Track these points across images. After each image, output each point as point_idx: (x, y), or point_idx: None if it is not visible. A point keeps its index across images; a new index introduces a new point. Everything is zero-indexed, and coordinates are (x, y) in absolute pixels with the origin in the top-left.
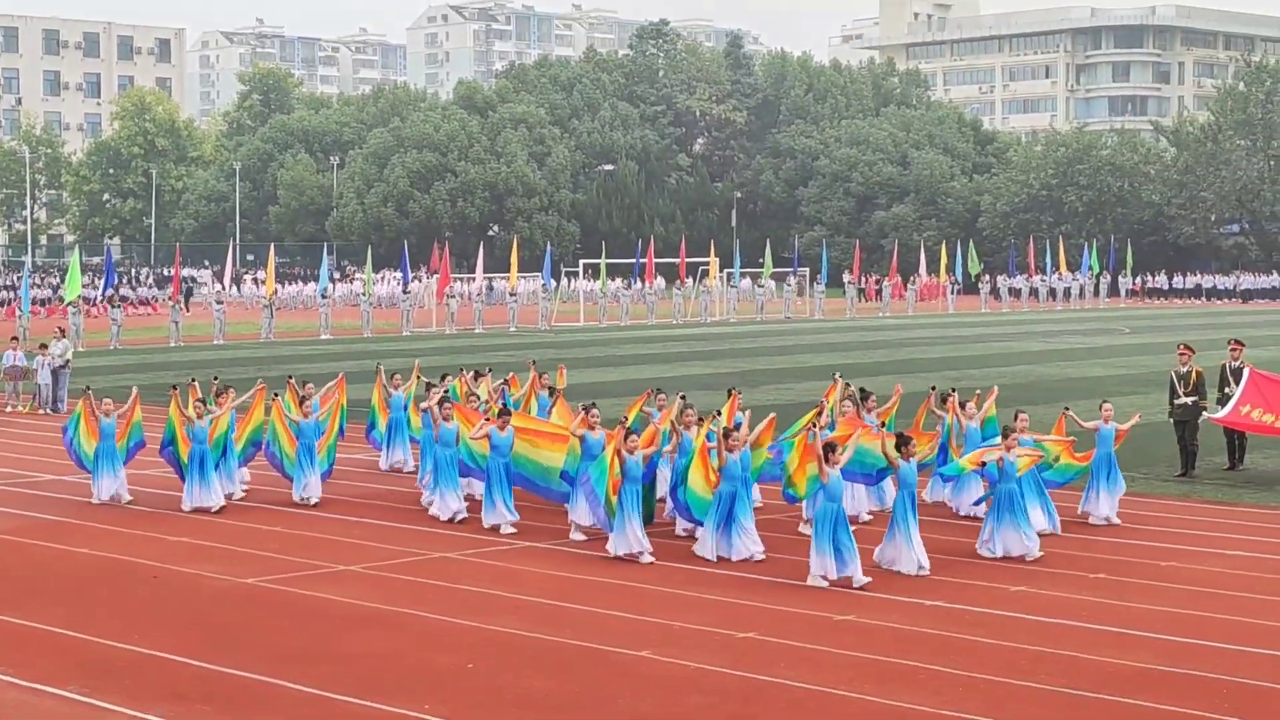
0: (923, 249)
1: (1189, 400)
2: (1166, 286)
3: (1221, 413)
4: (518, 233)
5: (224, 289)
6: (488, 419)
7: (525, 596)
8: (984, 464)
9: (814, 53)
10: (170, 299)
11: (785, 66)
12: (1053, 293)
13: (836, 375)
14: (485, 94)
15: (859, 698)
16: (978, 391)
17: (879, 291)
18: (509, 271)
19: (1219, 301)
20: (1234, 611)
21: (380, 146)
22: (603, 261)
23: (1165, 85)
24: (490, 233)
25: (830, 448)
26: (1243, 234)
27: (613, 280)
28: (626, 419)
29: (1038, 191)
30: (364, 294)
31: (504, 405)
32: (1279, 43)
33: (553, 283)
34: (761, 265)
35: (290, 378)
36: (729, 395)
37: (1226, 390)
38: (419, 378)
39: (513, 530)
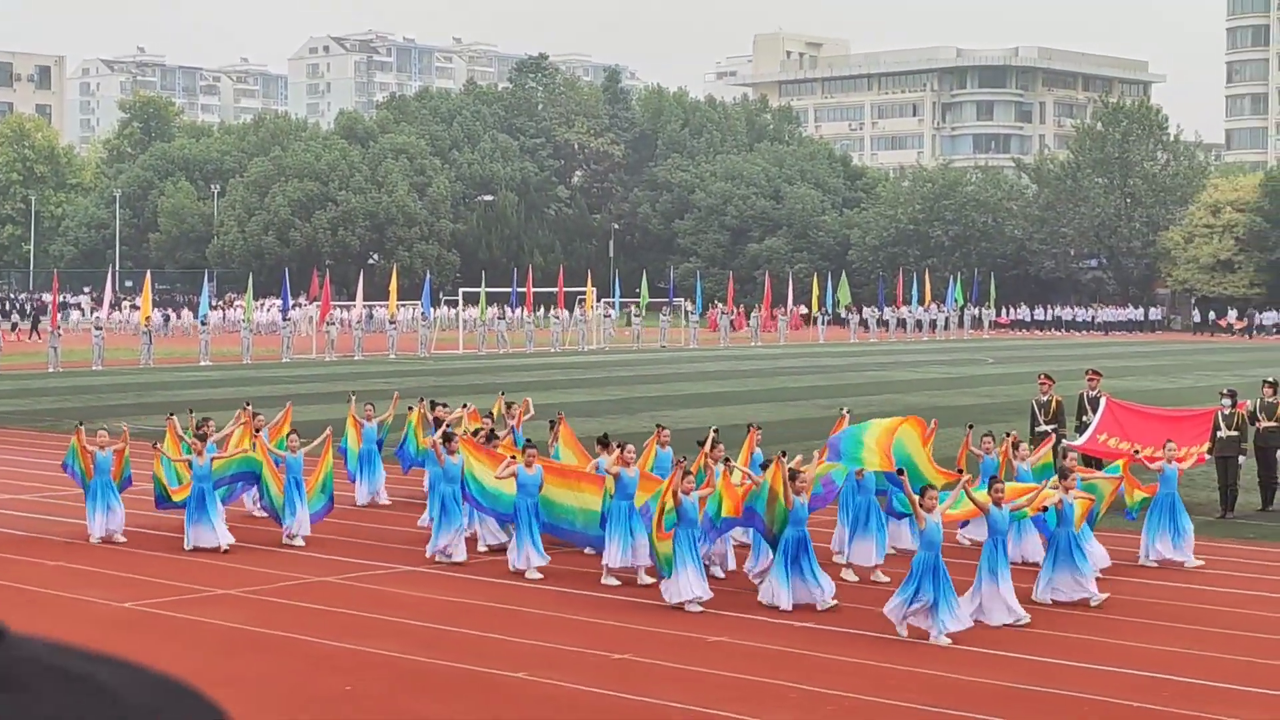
0: (791, 281)
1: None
2: (1028, 318)
3: (1079, 440)
4: (398, 261)
5: (103, 315)
6: (513, 456)
7: (406, 620)
8: (1045, 509)
9: (690, 88)
10: (50, 325)
11: (662, 101)
12: (919, 324)
13: (845, 410)
14: (366, 124)
15: (734, 717)
16: (1010, 432)
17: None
18: (389, 299)
19: (1078, 333)
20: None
21: (261, 175)
22: (482, 290)
23: (1027, 124)
24: (371, 261)
25: (793, 475)
26: (1101, 268)
27: (491, 308)
28: (681, 461)
29: (905, 226)
30: (245, 321)
31: (523, 439)
32: (1135, 84)
33: (432, 311)
34: (638, 296)
35: (171, 415)
36: (748, 431)
37: (1084, 418)
38: (395, 409)
39: (539, 576)
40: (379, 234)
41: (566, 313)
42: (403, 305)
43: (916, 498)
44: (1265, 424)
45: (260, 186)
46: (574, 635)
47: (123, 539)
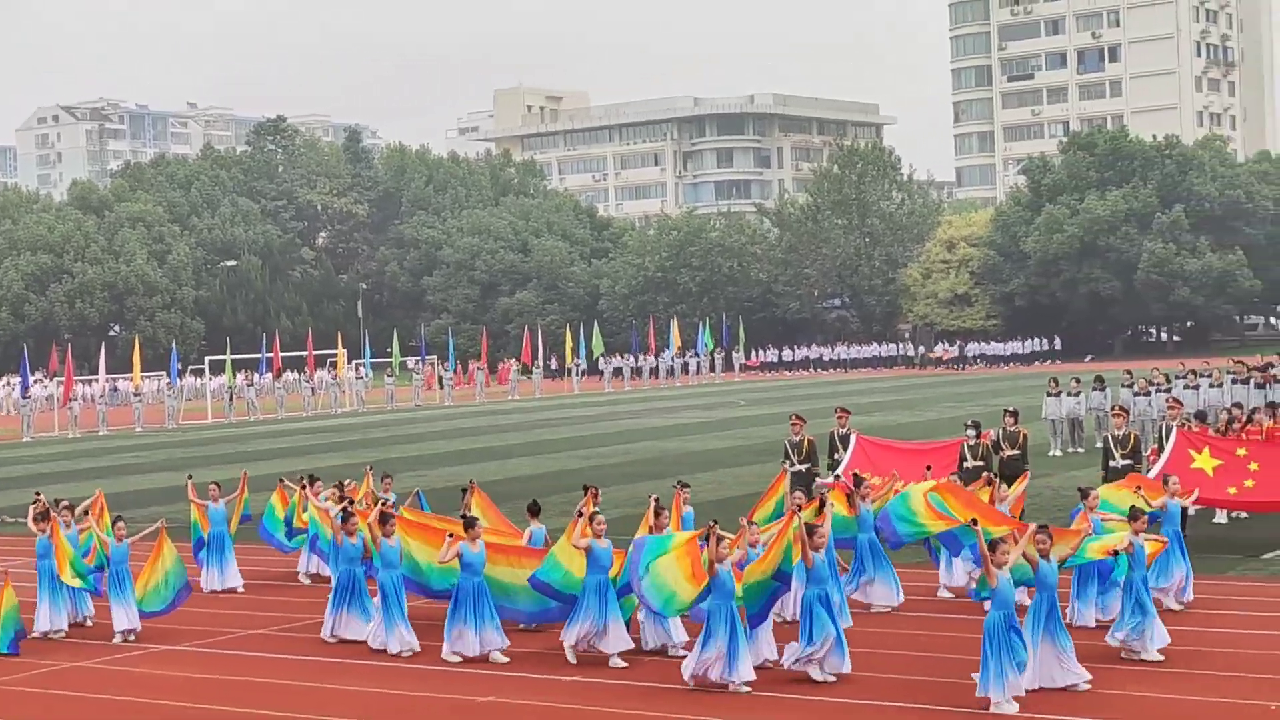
0: (542, 333)
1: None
2: (777, 359)
3: (831, 478)
4: (140, 332)
5: None
6: (451, 534)
7: (165, 701)
8: (1115, 553)
9: (432, 145)
10: None
11: (405, 159)
12: (671, 370)
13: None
14: (101, 193)
15: None
16: (986, 473)
17: (440, 380)
18: (132, 371)
19: (825, 372)
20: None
21: None
22: (228, 357)
23: (766, 169)
24: (111, 332)
25: (809, 529)
26: (844, 307)
27: (239, 375)
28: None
29: (653, 274)
30: None
31: (468, 516)
32: (868, 126)
33: (179, 381)
34: (390, 354)
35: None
36: (676, 488)
37: (836, 456)
38: (245, 487)
39: (505, 660)
40: (119, 304)
41: (318, 375)
42: (147, 376)
43: (988, 553)
44: (1009, 452)
45: None
46: (339, 707)
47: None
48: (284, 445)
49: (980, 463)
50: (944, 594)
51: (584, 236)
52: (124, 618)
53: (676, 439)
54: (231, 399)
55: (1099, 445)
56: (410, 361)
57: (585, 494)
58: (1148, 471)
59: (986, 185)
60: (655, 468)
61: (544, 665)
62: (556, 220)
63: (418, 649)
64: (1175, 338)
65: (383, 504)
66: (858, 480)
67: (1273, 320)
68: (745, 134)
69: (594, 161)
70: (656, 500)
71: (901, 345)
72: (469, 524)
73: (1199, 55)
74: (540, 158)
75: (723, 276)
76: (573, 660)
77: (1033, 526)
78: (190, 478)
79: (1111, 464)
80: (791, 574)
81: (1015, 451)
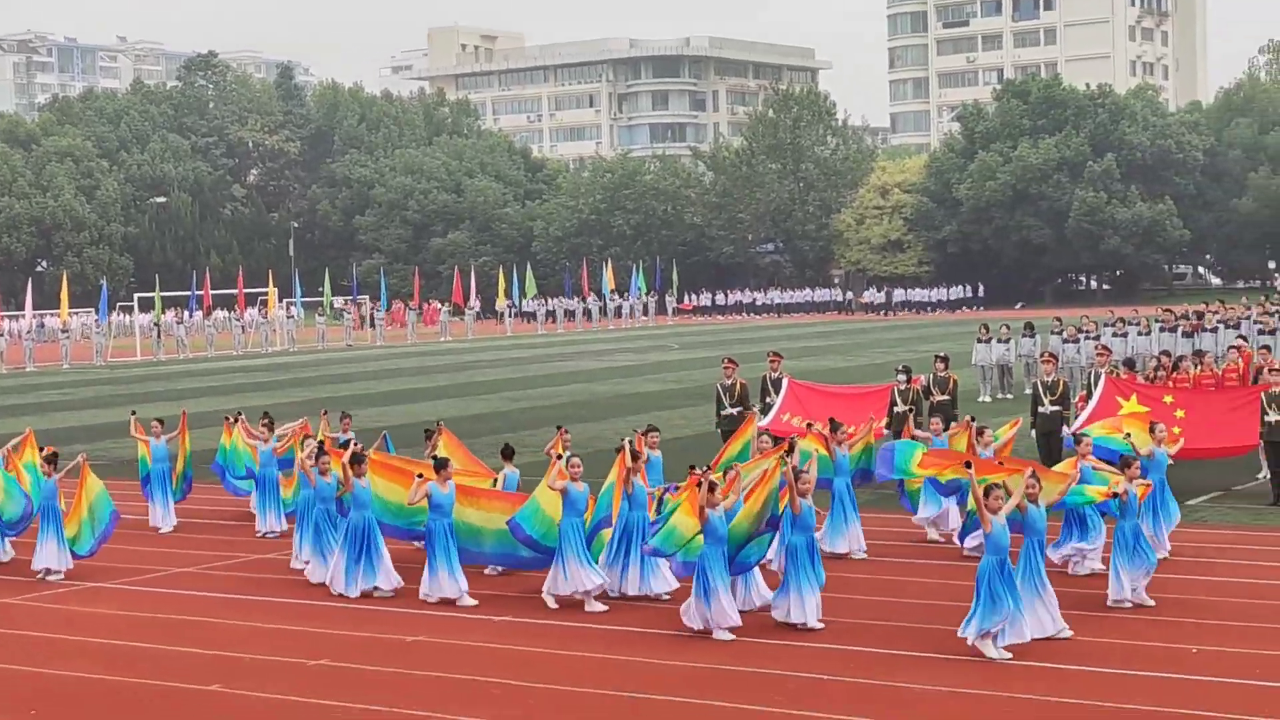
0: (475, 274)
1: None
2: (710, 304)
3: (764, 421)
4: (67, 268)
5: None
6: (420, 474)
7: (92, 638)
8: (1114, 495)
9: (365, 83)
10: None
11: (337, 97)
12: (604, 312)
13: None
14: (28, 127)
15: (432, 715)
16: (968, 417)
17: (370, 319)
18: (59, 307)
19: (758, 316)
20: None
21: None
22: (157, 294)
23: (702, 113)
24: (39, 268)
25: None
26: (777, 252)
27: (168, 313)
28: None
29: (587, 216)
30: None
31: (439, 458)
32: (804, 71)
33: (107, 318)
34: (321, 294)
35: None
36: (558, 430)
37: (768, 400)
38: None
39: (472, 602)
40: (46, 240)
41: (249, 314)
42: (75, 313)
43: (982, 498)
44: (938, 397)
45: None
46: (267, 644)
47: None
48: (214, 384)
49: (910, 407)
50: (933, 535)
51: (518, 178)
52: (51, 556)
53: (609, 381)
54: (160, 336)
55: (1028, 391)
56: (339, 301)
57: (557, 433)
58: (1075, 417)
59: (921, 132)
60: (586, 410)
61: (486, 607)
62: (490, 161)
63: (382, 591)
64: (1105, 286)
65: (354, 444)
66: (834, 425)
67: (1200, 270)
68: (681, 77)
69: (529, 102)
70: (631, 444)
71: (833, 291)
72: (439, 465)
73: (1132, 4)
74: (475, 98)
75: (657, 220)
76: (553, 606)
77: (1028, 470)
78: (134, 414)
79: (1040, 409)
80: (780, 519)
81: (945, 397)
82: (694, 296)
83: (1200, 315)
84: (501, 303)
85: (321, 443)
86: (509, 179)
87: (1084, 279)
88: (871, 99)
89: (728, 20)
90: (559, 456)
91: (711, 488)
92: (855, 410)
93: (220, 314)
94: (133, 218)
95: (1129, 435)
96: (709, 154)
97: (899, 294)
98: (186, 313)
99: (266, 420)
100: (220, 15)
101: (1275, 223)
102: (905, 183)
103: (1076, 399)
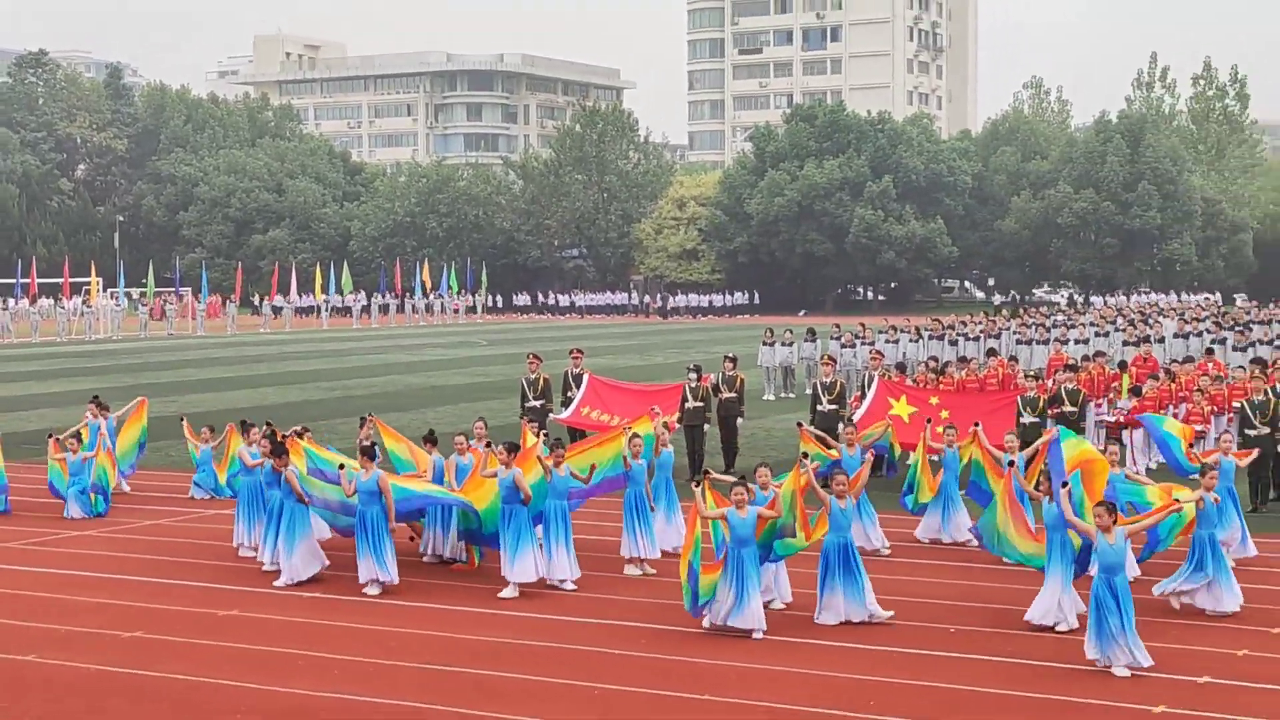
0: (295, 270)
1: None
2: (518, 303)
3: (565, 414)
4: None
5: None
6: (341, 466)
7: None
8: (1177, 506)
9: (193, 86)
10: None
11: (165, 98)
12: (416, 308)
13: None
14: None
15: (239, 685)
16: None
17: (164, 311)
18: None
19: (562, 317)
20: None
21: None
22: None
23: (514, 125)
24: None
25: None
26: (581, 257)
27: None
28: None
29: (403, 218)
30: None
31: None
32: (609, 90)
33: None
34: (145, 285)
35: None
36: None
37: (569, 394)
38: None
39: (376, 591)
40: None
41: (72, 302)
42: None
43: (1092, 517)
44: (726, 395)
45: None
46: (85, 616)
47: None
48: (38, 368)
49: (700, 403)
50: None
51: (337, 180)
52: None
53: (421, 374)
54: None
55: (808, 391)
56: (134, 293)
57: (365, 421)
58: (851, 416)
59: (716, 150)
60: (399, 400)
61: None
62: (311, 163)
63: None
64: (881, 297)
65: (294, 434)
66: (830, 478)
67: (967, 284)
68: (494, 90)
69: (349, 109)
70: (545, 435)
71: (632, 295)
72: (366, 453)
73: (911, 40)
74: (297, 103)
75: (469, 224)
76: (514, 595)
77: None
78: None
79: (820, 408)
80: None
81: (732, 394)
82: (502, 297)
83: (965, 324)
84: (319, 297)
85: (274, 433)
86: (328, 181)
87: (862, 290)
88: (671, 118)
89: (541, 39)
90: (489, 445)
91: (744, 485)
92: (649, 404)
93: (45, 302)
94: None
95: (1191, 446)
96: (519, 164)
97: (680, 299)
98: (12, 300)
99: (95, 401)
100: (50, 16)
101: (1034, 242)
102: (701, 196)
103: (852, 399)
